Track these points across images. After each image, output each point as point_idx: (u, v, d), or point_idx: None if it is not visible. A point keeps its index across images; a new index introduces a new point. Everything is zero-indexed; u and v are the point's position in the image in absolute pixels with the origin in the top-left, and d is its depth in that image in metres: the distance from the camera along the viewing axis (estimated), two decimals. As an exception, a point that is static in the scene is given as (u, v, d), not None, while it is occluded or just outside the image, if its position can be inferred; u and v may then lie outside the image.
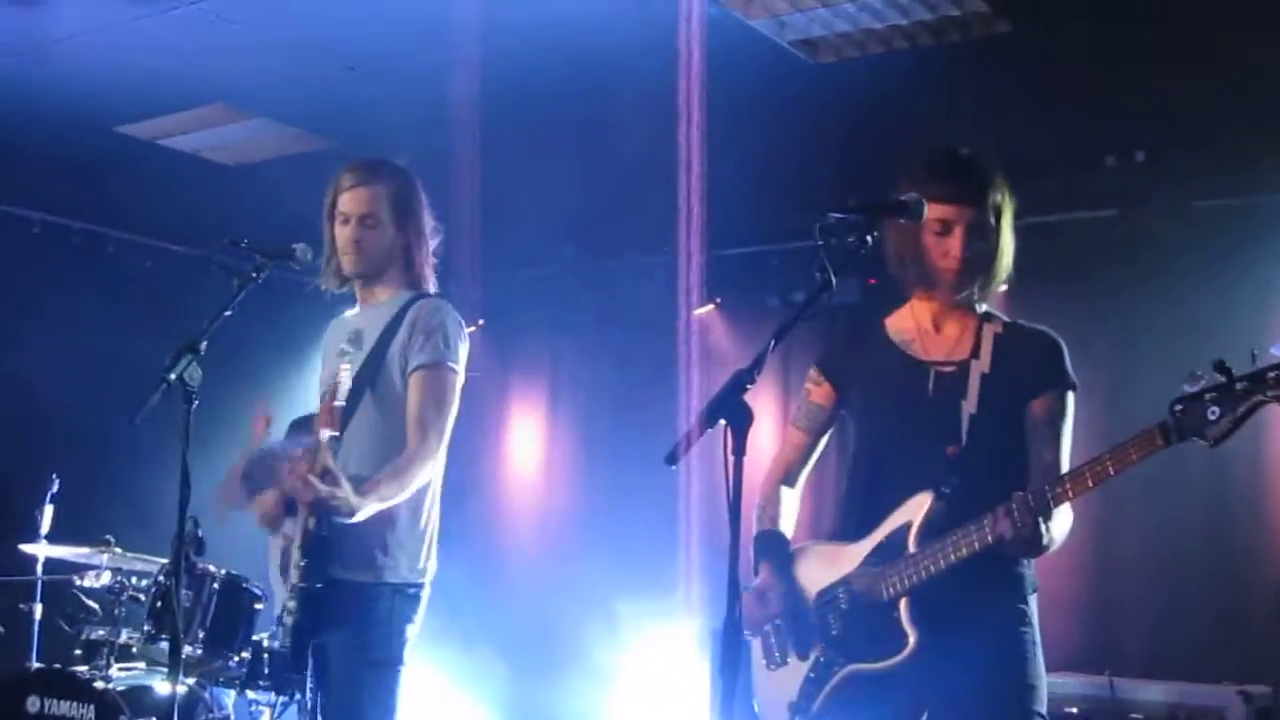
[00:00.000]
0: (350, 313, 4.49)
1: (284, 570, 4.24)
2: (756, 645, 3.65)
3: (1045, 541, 3.25)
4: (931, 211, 3.43)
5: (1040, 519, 3.20)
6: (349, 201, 4.26)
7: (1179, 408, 3.02)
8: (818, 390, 3.78)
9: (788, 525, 3.76)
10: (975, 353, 3.54)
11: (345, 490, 3.90)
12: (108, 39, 5.98)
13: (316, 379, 4.54)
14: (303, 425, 6.60)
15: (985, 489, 3.28)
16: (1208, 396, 2.98)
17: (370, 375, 4.20)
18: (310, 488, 3.86)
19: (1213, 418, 2.97)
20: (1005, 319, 3.64)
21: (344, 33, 5.92)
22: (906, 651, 3.31)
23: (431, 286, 4.41)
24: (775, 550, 3.67)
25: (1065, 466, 3.43)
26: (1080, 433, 3.53)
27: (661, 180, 7.02)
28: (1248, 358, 2.99)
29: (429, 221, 4.40)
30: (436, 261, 4.43)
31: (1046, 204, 6.87)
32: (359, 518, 3.97)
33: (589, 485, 8.83)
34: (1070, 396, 3.54)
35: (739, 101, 6.20)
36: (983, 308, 3.64)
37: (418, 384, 4.16)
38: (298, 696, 4.57)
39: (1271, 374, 2.93)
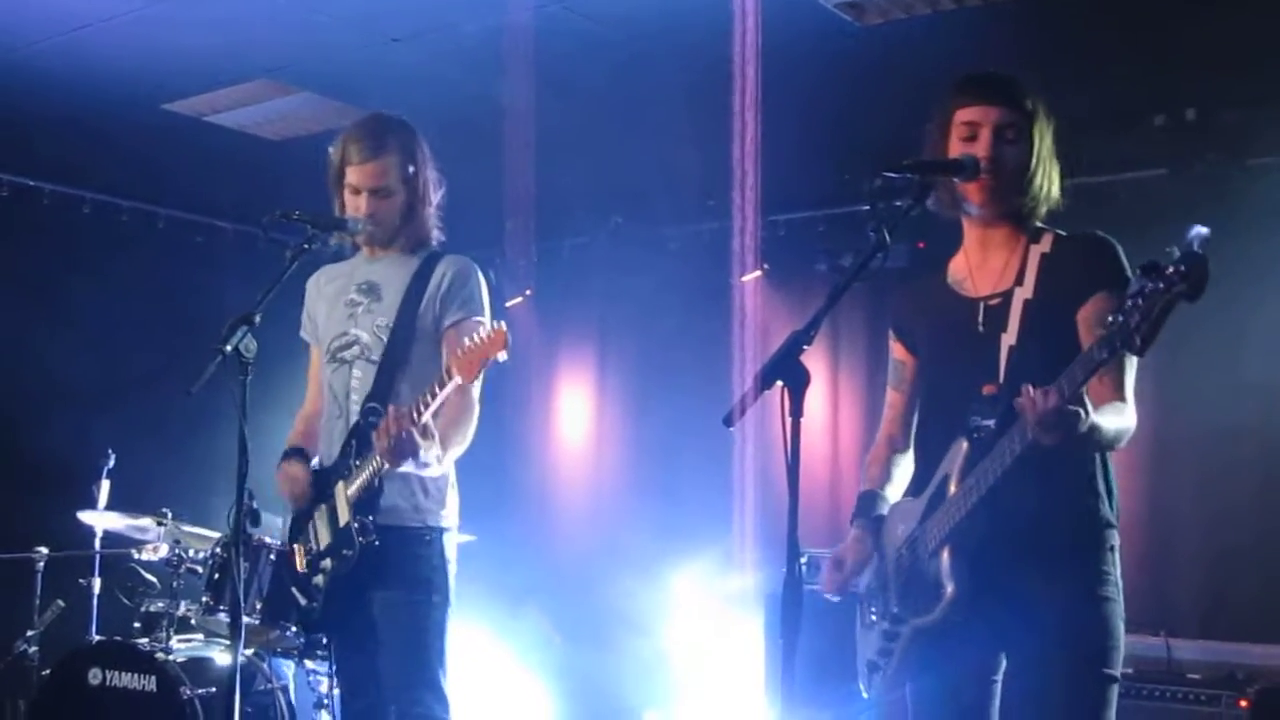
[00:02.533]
0: (349, 264, 4.54)
1: (297, 533, 4.35)
2: (858, 606, 3.66)
3: (1082, 425, 2.99)
4: (959, 117, 3.42)
5: (1072, 398, 2.97)
6: (359, 175, 4.30)
7: (1109, 319, 2.83)
8: (896, 347, 3.77)
9: (893, 485, 3.71)
10: (1020, 279, 3.40)
11: (437, 447, 4.03)
12: (152, 16, 6.00)
13: (308, 326, 4.59)
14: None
15: None
16: (1128, 304, 2.77)
17: (405, 332, 4.27)
18: (413, 443, 3.93)
19: (1133, 324, 2.76)
20: (1058, 233, 3.46)
21: (389, 5, 5.91)
22: (943, 604, 3.28)
23: (437, 238, 4.46)
24: (865, 510, 3.65)
25: (1127, 373, 3.26)
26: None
27: (710, 147, 6.99)
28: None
29: (433, 174, 4.43)
30: (440, 213, 4.47)
31: (1095, 165, 6.82)
32: (440, 470, 4.18)
33: (639, 451, 8.85)
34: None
35: (784, 66, 6.16)
36: (1035, 226, 3.48)
37: (456, 338, 4.19)
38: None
39: (1171, 269, 2.71)
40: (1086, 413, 2.99)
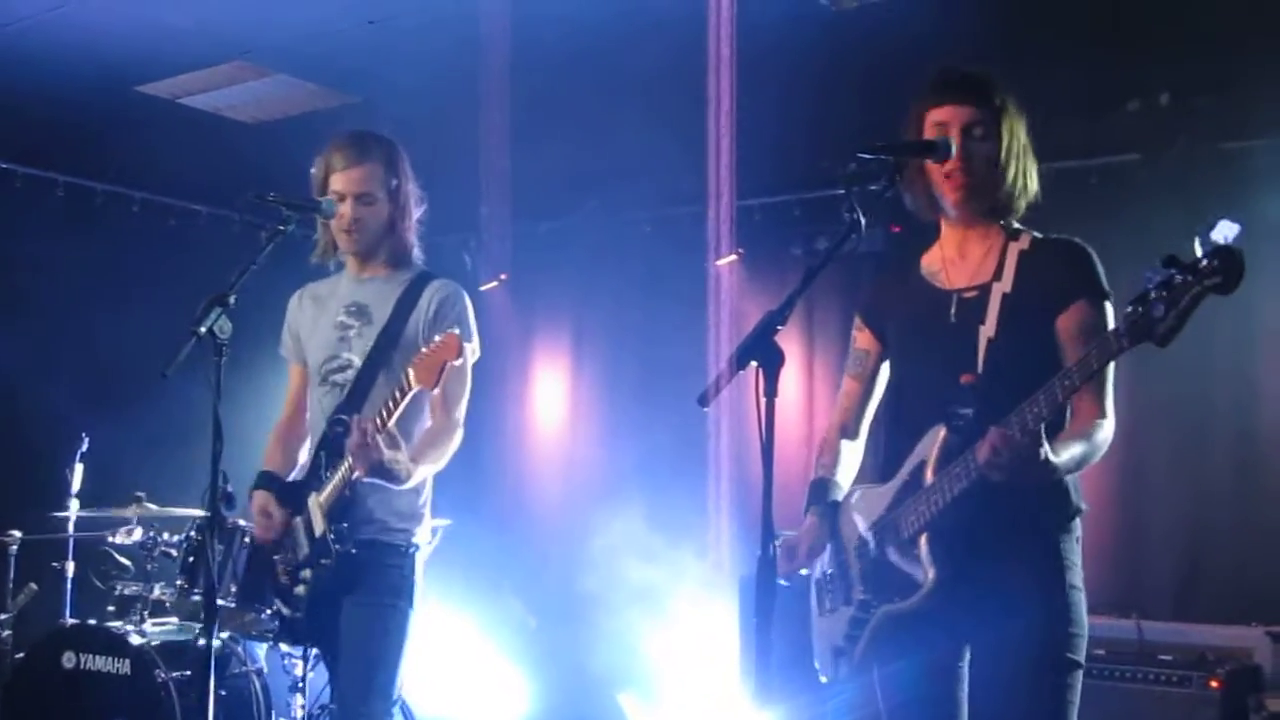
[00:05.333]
0: (333, 283, 4.54)
1: (280, 550, 4.33)
2: (811, 593, 3.69)
3: (1043, 465, 3.07)
4: (930, 118, 3.44)
5: (1031, 441, 3.03)
6: (344, 181, 4.29)
7: (1129, 309, 2.83)
8: (861, 336, 3.78)
9: (844, 473, 3.74)
10: (998, 274, 3.43)
11: (405, 455, 4.05)
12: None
13: (289, 345, 4.59)
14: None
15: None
16: (1152, 295, 2.77)
17: (387, 352, 4.28)
18: (377, 449, 3.95)
19: (1158, 315, 2.76)
20: (1036, 234, 3.50)
21: (364, -14, 5.91)
22: (924, 589, 3.29)
23: (419, 256, 4.47)
24: (820, 497, 3.67)
25: (1108, 384, 3.31)
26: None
27: (685, 131, 6.99)
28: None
29: (414, 190, 4.44)
30: (421, 228, 4.47)
31: (1069, 149, 6.83)
32: (410, 484, 4.15)
33: (615, 435, 8.84)
34: (1105, 306, 3.34)
35: (759, 50, 6.18)
36: (1013, 225, 3.51)
37: None
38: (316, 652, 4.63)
39: (1204, 262, 2.71)
40: (1042, 454, 3.05)
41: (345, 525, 4.13)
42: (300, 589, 4.22)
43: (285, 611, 4.29)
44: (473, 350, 4.33)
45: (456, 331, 3.93)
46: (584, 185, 8.62)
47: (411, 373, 3.95)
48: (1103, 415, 3.30)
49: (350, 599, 4.20)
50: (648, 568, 7.75)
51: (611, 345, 9.03)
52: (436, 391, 4.06)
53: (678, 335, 8.24)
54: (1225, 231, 2.72)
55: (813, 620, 3.69)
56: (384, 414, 4.01)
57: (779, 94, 6.69)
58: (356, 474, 4.05)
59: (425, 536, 4.36)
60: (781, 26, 6.10)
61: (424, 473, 4.21)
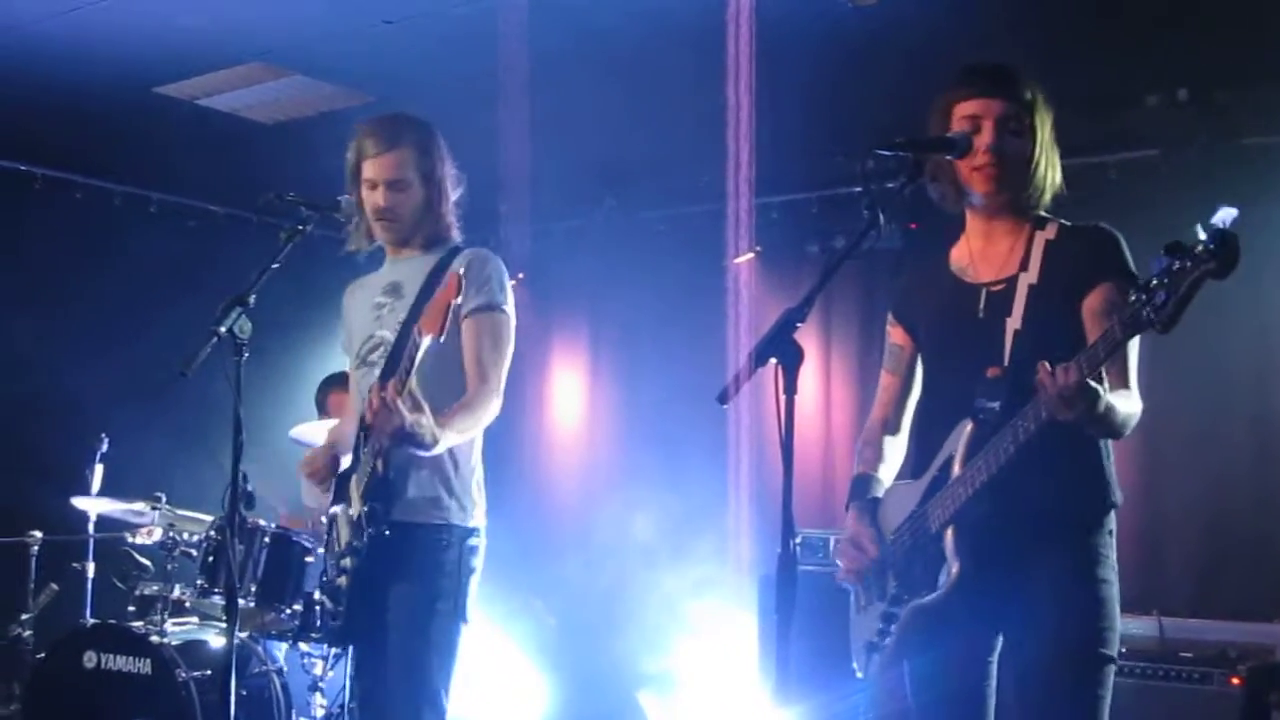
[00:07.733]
0: (375, 273, 4.50)
1: (328, 545, 4.27)
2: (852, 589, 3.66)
3: (1100, 402, 2.99)
4: (960, 111, 3.41)
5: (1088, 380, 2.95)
6: (375, 168, 4.22)
7: (1132, 297, 2.83)
8: (894, 332, 3.77)
9: (886, 468, 3.72)
10: (1024, 265, 3.41)
11: (429, 418, 3.88)
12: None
13: (345, 340, 4.54)
14: (336, 382, 6.69)
15: None
16: (1154, 282, 2.78)
17: (416, 322, 4.15)
18: (397, 413, 3.80)
19: (1159, 302, 2.76)
20: (1062, 222, 3.48)
21: (381, -14, 5.90)
22: (949, 583, 3.28)
23: (457, 235, 4.40)
24: (861, 493, 3.65)
25: (1133, 364, 3.26)
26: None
27: (703, 129, 6.98)
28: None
29: (451, 171, 4.37)
30: (459, 210, 4.41)
31: (1088, 144, 6.81)
32: (438, 449, 3.97)
33: (633, 433, 8.85)
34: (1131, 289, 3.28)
35: (776, 46, 6.16)
36: (1040, 215, 3.48)
37: (474, 328, 4.16)
38: (349, 649, 4.59)
39: (1199, 247, 2.72)
40: (1103, 391, 3.00)
41: (379, 505, 4.03)
42: (342, 580, 4.08)
43: (328, 604, 4.13)
44: (508, 315, 4.25)
45: (460, 271, 3.82)
46: (602, 184, 8.62)
47: (421, 324, 3.84)
48: (1128, 388, 3.25)
49: (401, 596, 4.08)
50: (667, 565, 7.75)
51: (630, 343, 9.03)
52: (469, 360, 4.03)
53: (696, 333, 8.24)
54: (1223, 216, 2.72)
55: (851, 616, 3.67)
56: (402, 375, 3.87)
57: (797, 91, 6.67)
58: (381, 443, 3.96)
59: (479, 521, 4.23)
60: (800, 23, 6.08)
61: (452, 439, 4.01)
